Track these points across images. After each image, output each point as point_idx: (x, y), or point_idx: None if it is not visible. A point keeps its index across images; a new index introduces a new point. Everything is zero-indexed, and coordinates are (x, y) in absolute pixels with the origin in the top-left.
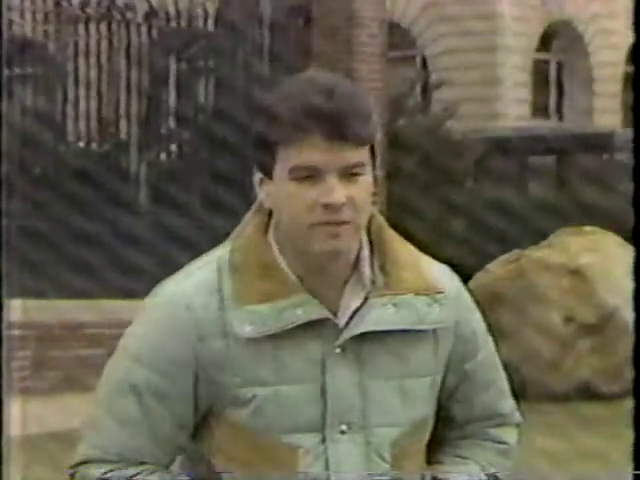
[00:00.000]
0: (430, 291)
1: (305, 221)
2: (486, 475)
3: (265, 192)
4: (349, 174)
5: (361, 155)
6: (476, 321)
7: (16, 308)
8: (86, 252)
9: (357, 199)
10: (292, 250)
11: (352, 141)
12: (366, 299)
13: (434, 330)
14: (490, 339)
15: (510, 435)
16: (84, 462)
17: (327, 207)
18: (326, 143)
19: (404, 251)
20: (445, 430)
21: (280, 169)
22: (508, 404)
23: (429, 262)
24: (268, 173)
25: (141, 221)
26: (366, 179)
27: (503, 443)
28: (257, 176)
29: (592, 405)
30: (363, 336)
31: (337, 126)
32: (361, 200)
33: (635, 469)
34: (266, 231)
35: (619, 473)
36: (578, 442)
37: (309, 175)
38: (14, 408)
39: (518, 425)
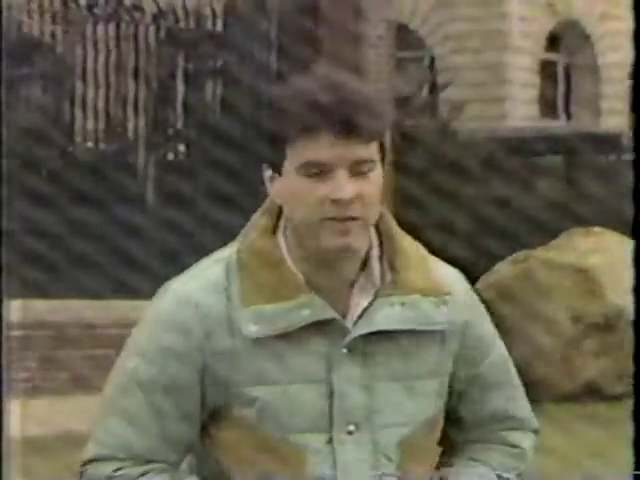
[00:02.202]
0: (438, 292)
1: (315, 216)
2: (497, 476)
3: (275, 188)
4: (359, 170)
5: (370, 151)
6: (485, 325)
7: (23, 308)
8: (95, 252)
9: (366, 195)
10: (301, 248)
11: (361, 137)
12: (374, 299)
13: (442, 332)
14: (501, 343)
15: (524, 439)
16: (93, 460)
17: (336, 203)
18: (335, 139)
19: (413, 251)
20: (455, 433)
21: (289, 165)
22: (521, 408)
23: (438, 264)
24: (277, 169)
25: (149, 220)
26: (376, 175)
27: (516, 447)
28: (267, 173)
29: (599, 405)
30: (370, 336)
31: (346, 122)
32: (370, 196)
33: (635, 469)
34: (274, 231)
35: (619, 473)
36: (584, 442)
37: (318, 171)
38: (22, 409)
39: (535, 431)
